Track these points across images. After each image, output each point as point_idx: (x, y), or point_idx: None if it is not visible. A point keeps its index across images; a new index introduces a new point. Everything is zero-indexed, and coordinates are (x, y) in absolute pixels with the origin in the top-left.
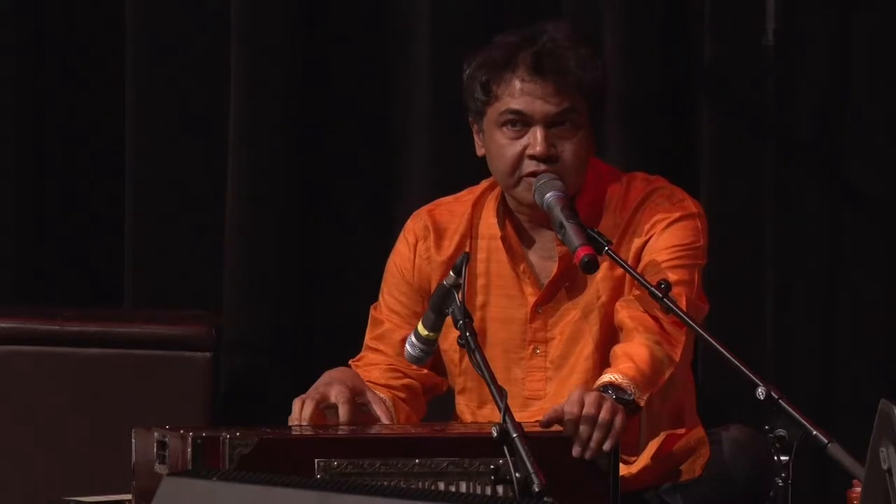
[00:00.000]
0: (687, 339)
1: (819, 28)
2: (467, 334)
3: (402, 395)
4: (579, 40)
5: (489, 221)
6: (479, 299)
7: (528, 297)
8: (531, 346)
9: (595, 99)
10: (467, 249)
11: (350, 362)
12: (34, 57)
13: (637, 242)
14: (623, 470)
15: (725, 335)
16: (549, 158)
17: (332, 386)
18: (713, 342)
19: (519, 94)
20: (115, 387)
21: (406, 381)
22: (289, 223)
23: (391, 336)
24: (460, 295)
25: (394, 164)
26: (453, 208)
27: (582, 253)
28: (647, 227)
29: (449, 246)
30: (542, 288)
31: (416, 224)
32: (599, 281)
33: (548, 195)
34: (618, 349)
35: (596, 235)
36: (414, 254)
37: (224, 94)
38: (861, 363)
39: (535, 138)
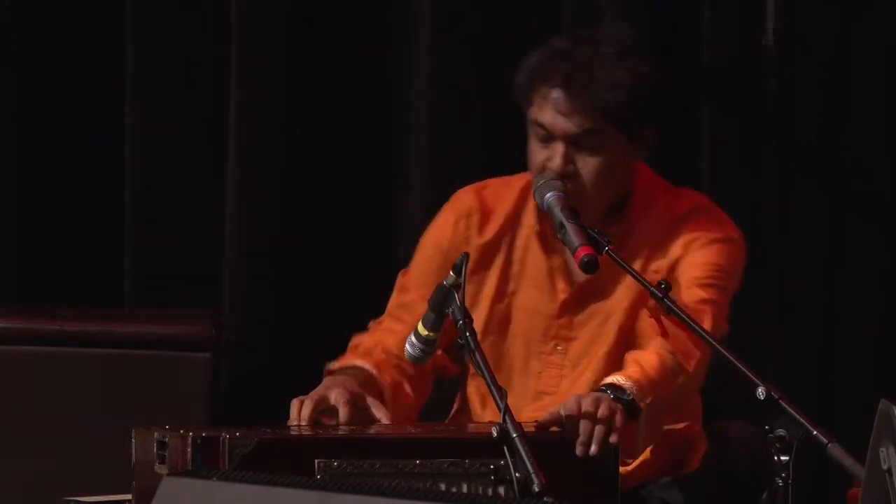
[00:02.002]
0: (703, 355)
1: (819, 28)
2: (467, 334)
3: (410, 370)
4: (629, 54)
5: (532, 211)
6: (511, 286)
7: (558, 293)
8: (553, 342)
9: (629, 119)
10: (509, 235)
11: (371, 323)
12: (34, 57)
13: (673, 254)
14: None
15: (725, 335)
16: (565, 175)
17: (331, 389)
18: (713, 342)
19: (546, 107)
20: (115, 387)
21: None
22: (289, 223)
23: (415, 307)
24: (460, 295)
25: (394, 164)
26: (502, 192)
27: (582, 253)
28: (686, 241)
29: (492, 229)
30: (574, 285)
31: (462, 201)
32: (626, 286)
33: (548, 195)
34: (629, 356)
35: (596, 236)
36: (454, 230)
37: (224, 94)
38: (861, 363)
39: (556, 152)
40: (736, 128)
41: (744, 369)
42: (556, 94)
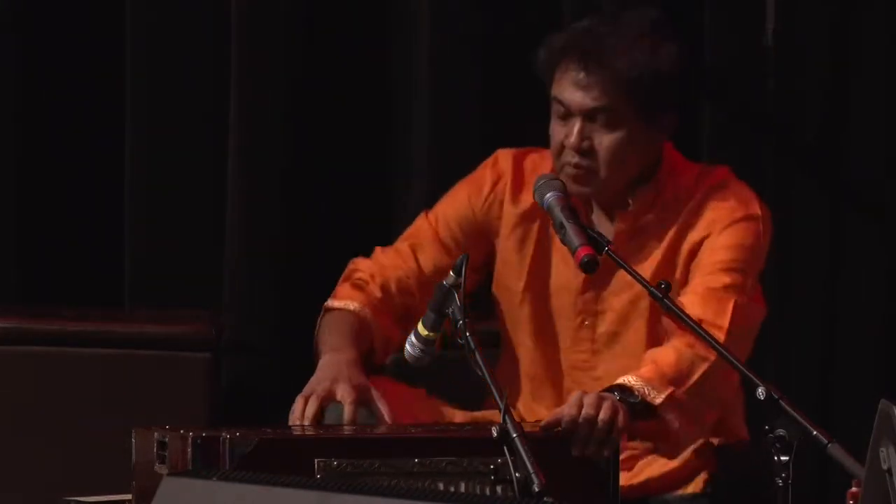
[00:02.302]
0: (727, 343)
1: (819, 28)
2: (467, 334)
3: (402, 311)
4: (652, 35)
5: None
6: (543, 268)
7: None
8: (580, 318)
9: (647, 98)
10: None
11: (376, 248)
12: (34, 57)
13: (694, 236)
14: (626, 479)
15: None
16: (580, 151)
17: (337, 383)
18: (713, 342)
19: (565, 82)
20: (115, 387)
21: (409, 303)
22: (289, 223)
23: (432, 255)
24: (460, 295)
25: (394, 164)
26: (539, 163)
27: (582, 253)
28: (709, 221)
29: (526, 200)
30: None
31: (501, 163)
32: (653, 264)
33: (548, 195)
34: (649, 354)
35: (596, 236)
36: (492, 190)
37: (224, 94)
38: (861, 363)
39: (572, 129)
40: (736, 128)
41: (744, 369)
42: (574, 68)
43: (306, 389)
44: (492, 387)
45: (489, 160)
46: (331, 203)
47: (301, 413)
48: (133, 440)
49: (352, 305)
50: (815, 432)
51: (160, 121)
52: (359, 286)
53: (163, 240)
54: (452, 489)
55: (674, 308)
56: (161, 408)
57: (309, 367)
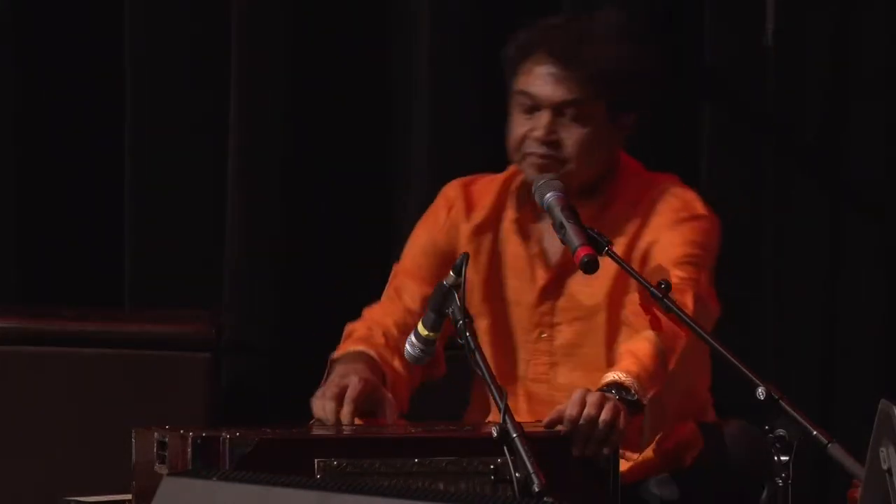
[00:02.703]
0: (688, 338)
1: (819, 28)
2: (467, 334)
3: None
4: (620, 34)
5: (512, 202)
6: (497, 281)
7: (538, 280)
8: (537, 330)
9: (614, 95)
10: (494, 226)
11: (364, 310)
12: (34, 57)
13: (646, 240)
14: (622, 465)
15: (726, 335)
16: (548, 143)
17: (347, 378)
18: (713, 342)
19: (535, 75)
20: (115, 387)
21: None
22: (289, 223)
23: (409, 290)
24: (460, 295)
25: (394, 164)
26: (487, 186)
27: (582, 253)
28: (655, 225)
29: (477, 216)
30: (550, 271)
31: (449, 192)
32: (608, 275)
33: (548, 195)
34: (622, 347)
35: (596, 236)
36: (447, 217)
37: (224, 94)
38: (861, 363)
39: (540, 122)
40: (736, 128)
41: (744, 369)
42: (546, 62)
43: (319, 392)
44: (491, 387)
45: (438, 195)
46: (331, 203)
47: (322, 412)
48: (133, 440)
49: (358, 347)
50: (815, 432)
51: (160, 121)
52: (361, 339)
53: (163, 240)
54: (452, 489)
55: (674, 308)
56: (161, 408)
57: (309, 367)
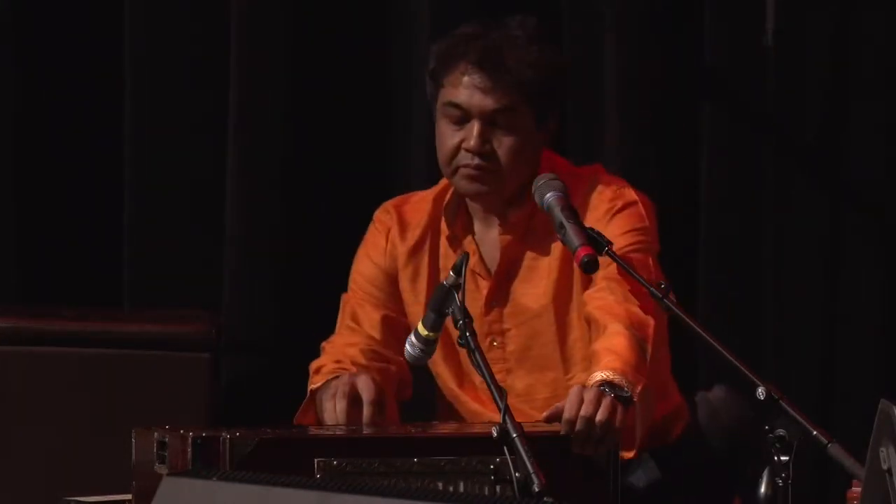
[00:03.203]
0: (658, 320)
1: (819, 28)
2: (467, 334)
3: (377, 377)
4: (539, 38)
5: (444, 218)
6: None
7: (481, 290)
8: (488, 339)
9: (541, 100)
10: (428, 244)
11: (323, 344)
12: (34, 57)
13: None
14: None
15: (725, 335)
16: (482, 154)
17: (357, 377)
18: (713, 342)
19: (460, 86)
20: (114, 387)
21: (384, 366)
22: (289, 223)
23: (365, 318)
24: (460, 295)
25: (394, 164)
26: (418, 205)
27: (582, 253)
28: (591, 221)
29: (411, 237)
30: (490, 279)
31: (383, 215)
32: (546, 271)
33: (548, 195)
34: (597, 346)
35: (596, 236)
36: (386, 241)
37: (224, 94)
38: (861, 363)
39: (471, 132)
40: (736, 128)
41: (744, 369)
42: (474, 71)
43: (329, 391)
44: (491, 386)
45: (372, 221)
46: (331, 203)
47: (334, 413)
48: (133, 440)
49: (337, 374)
50: (815, 432)
51: (160, 121)
52: (334, 371)
53: (163, 240)
54: (452, 489)
55: (674, 308)
56: (161, 408)
57: (309, 368)
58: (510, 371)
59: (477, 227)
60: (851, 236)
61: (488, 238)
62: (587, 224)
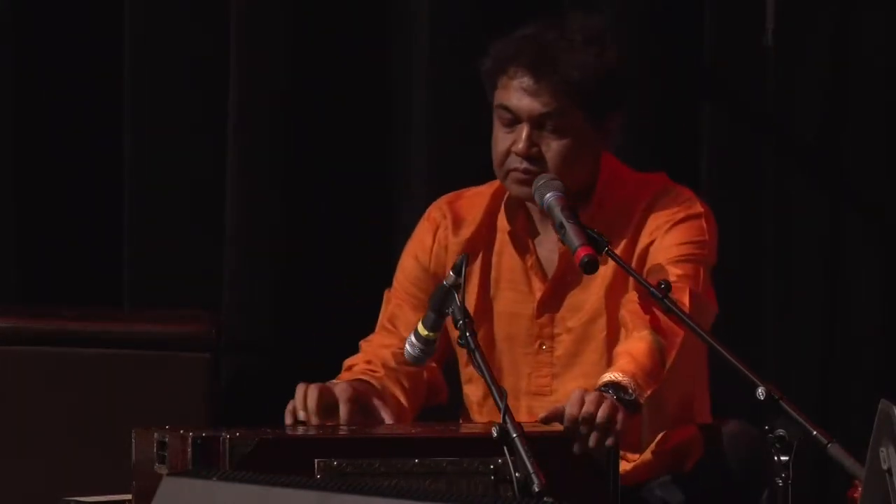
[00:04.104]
0: (686, 335)
1: (819, 28)
2: (467, 334)
3: (405, 383)
4: (596, 40)
5: (504, 215)
6: (491, 291)
7: (535, 293)
8: (537, 342)
9: (593, 102)
10: (486, 240)
11: (361, 342)
12: (34, 57)
13: (643, 243)
14: (622, 466)
15: (726, 335)
16: (530, 157)
17: (336, 382)
18: (713, 342)
19: (511, 89)
20: (115, 387)
21: (415, 369)
22: (289, 223)
23: (404, 319)
24: (460, 295)
25: (394, 164)
26: (473, 200)
27: (582, 253)
28: (652, 228)
29: (466, 231)
30: (547, 283)
31: (435, 212)
32: (605, 283)
33: (548, 195)
34: (619, 348)
35: (596, 236)
36: (433, 240)
37: (223, 94)
38: (861, 363)
39: (520, 136)
40: (736, 128)
41: (744, 369)
42: (523, 74)
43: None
44: (491, 387)
45: (423, 218)
46: (331, 203)
47: (302, 400)
48: (133, 440)
49: (360, 377)
50: (815, 432)
51: (160, 121)
52: (362, 372)
53: (163, 240)
54: (452, 489)
55: (674, 309)
56: (161, 408)
57: (309, 367)
58: (556, 376)
59: (536, 227)
60: (851, 236)
61: (547, 241)
62: (646, 231)
